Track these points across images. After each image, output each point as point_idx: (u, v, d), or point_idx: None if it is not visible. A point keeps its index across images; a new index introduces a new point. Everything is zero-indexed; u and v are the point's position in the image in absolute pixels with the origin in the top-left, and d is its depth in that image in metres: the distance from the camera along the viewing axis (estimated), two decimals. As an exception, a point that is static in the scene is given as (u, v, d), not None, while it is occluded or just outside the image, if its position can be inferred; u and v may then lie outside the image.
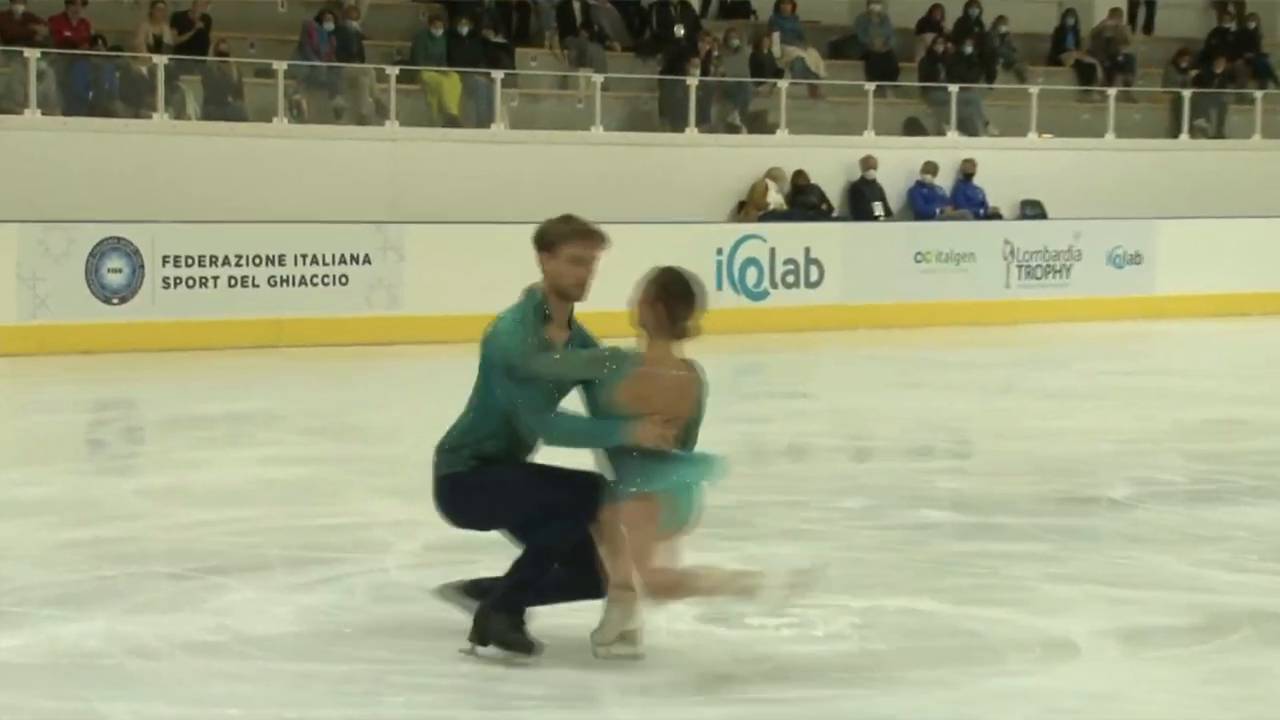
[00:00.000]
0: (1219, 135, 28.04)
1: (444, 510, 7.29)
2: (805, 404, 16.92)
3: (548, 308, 7.13)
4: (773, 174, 23.74)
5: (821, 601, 7.83)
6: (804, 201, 24.01)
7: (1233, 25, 30.41)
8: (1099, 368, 19.18)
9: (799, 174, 24.09)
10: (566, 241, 7.13)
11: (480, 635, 7.12)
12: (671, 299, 7.01)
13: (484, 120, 23.13)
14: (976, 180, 25.11)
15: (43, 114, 20.59)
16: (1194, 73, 28.88)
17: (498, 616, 7.09)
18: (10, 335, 18.34)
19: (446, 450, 7.21)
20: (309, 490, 11.30)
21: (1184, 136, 27.42)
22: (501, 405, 7.04)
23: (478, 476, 7.12)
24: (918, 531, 10.06)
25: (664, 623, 7.57)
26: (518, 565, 7.11)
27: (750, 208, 23.56)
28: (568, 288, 7.12)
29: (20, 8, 21.47)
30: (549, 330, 7.13)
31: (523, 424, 7.04)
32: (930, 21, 27.92)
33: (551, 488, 7.08)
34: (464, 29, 23.89)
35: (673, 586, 6.95)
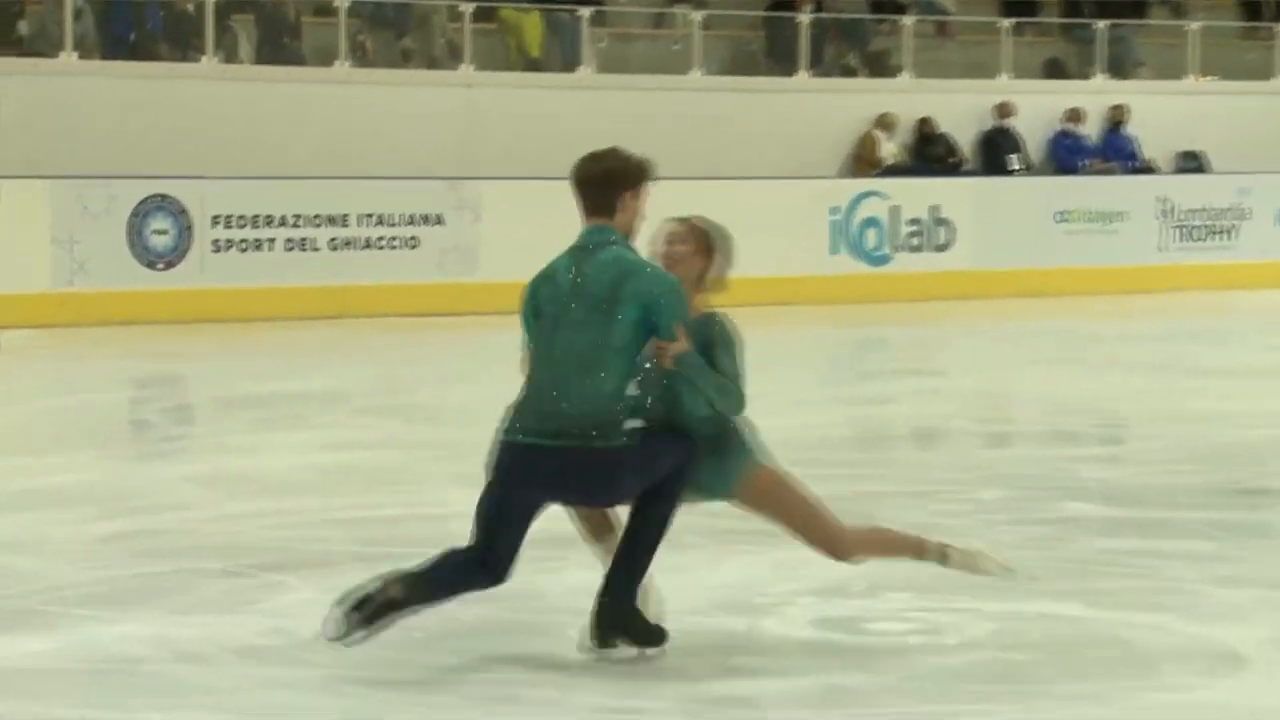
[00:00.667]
0: None
1: (612, 493, 7.25)
2: (934, 383, 16.86)
3: None
4: (883, 122, 23.64)
5: (953, 605, 7.79)
6: (930, 153, 23.92)
7: None
8: (1268, 341, 19.04)
9: (925, 121, 24.00)
10: (648, 178, 7.28)
11: (620, 630, 7.16)
12: (712, 253, 7.33)
13: (569, 63, 23.15)
14: (1127, 129, 24.94)
15: (80, 58, 20.73)
16: (1376, 7, 28.62)
17: (632, 608, 7.14)
18: (45, 304, 18.51)
19: (602, 422, 7.11)
20: (375, 478, 11.33)
21: (1371, 80, 27.16)
22: (636, 354, 7.03)
23: (649, 444, 7.12)
24: (1062, 527, 10.01)
25: (777, 628, 7.56)
26: (645, 546, 7.12)
27: (860, 164, 23.47)
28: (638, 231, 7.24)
29: (55, -61, 21.62)
30: None
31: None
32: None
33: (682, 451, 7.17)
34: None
35: (886, 544, 7.38)
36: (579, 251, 7.18)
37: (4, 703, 6.80)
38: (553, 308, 7.15)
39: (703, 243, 7.28)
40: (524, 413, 7.14)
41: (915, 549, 7.54)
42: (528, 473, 7.07)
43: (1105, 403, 15.15)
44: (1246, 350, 18.45)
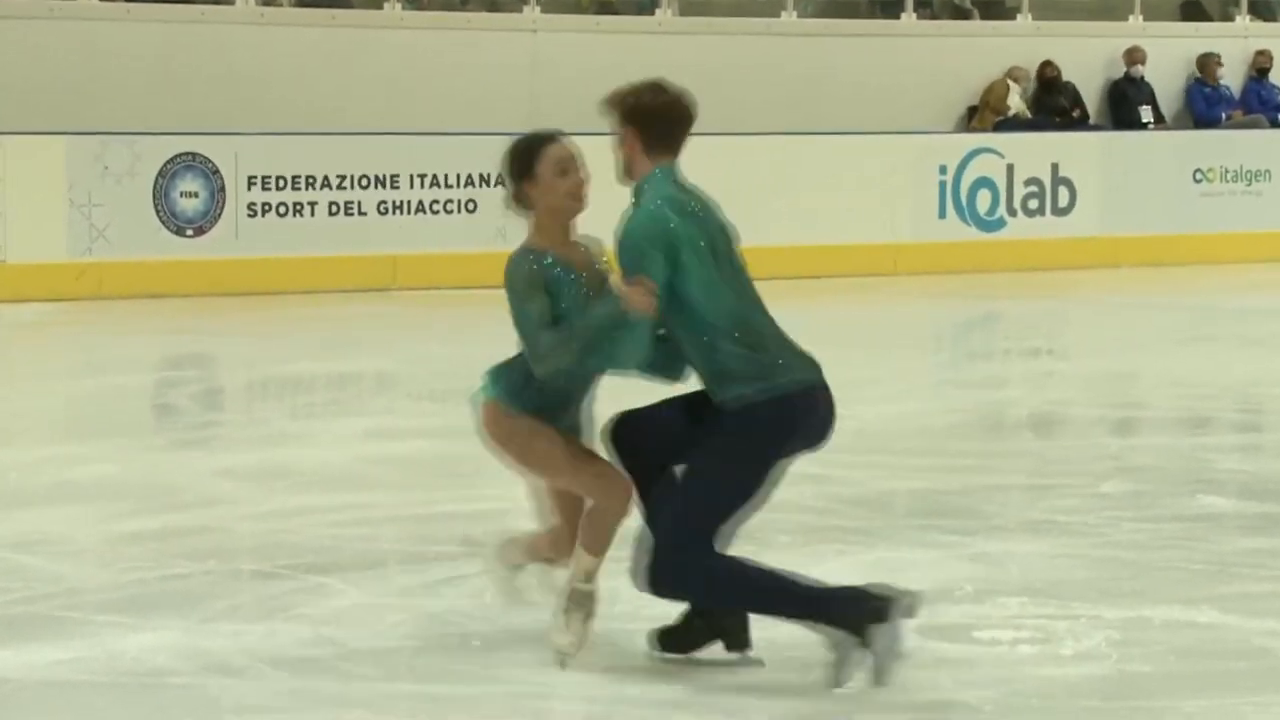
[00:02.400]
0: None
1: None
2: (1054, 364, 16.88)
3: None
4: (1014, 74, 23.62)
5: (1072, 611, 7.83)
6: (1053, 104, 23.85)
7: None
8: None
9: (1047, 66, 23.93)
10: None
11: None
12: None
13: (646, 6, 23.16)
14: (1274, 78, 24.83)
15: None
16: None
17: None
18: (62, 275, 18.61)
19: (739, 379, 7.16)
20: (430, 470, 11.39)
21: None
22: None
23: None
24: (1196, 524, 9.99)
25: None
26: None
27: (987, 113, 23.44)
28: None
29: None
30: None
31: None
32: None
33: None
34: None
35: None
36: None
37: (23, 715, 6.89)
38: (725, 244, 7.22)
39: None
40: (784, 351, 7.19)
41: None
42: (819, 422, 7.29)
43: (1245, 386, 15.11)
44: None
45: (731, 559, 7.10)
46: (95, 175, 18.90)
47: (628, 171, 7.30)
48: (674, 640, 7.37)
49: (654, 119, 7.28)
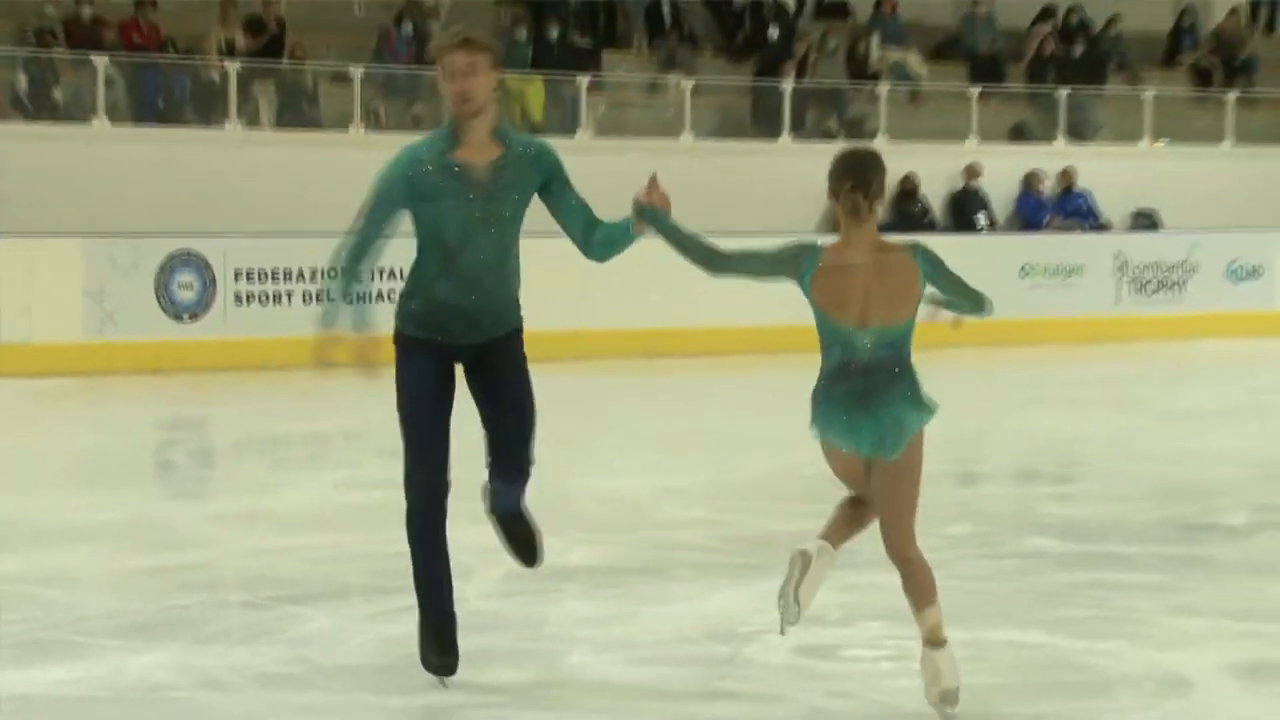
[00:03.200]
0: (1346, 141, 27.84)
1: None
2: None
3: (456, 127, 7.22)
4: (854, 182, 23.65)
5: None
6: (908, 211, 23.95)
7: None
8: (1218, 387, 19.05)
9: (906, 178, 24.02)
10: (439, 54, 7.16)
11: None
12: (830, 175, 6.90)
13: (569, 127, 23.19)
14: (1088, 189, 24.98)
15: (111, 123, 20.78)
16: (1319, 75, 28.72)
17: None
18: (77, 353, 18.52)
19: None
20: (390, 514, 11.25)
21: (1308, 142, 27.24)
22: None
23: None
24: (1027, 560, 10.03)
25: (759, 654, 7.58)
26: None
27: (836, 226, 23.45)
28: (451, 103, 7.20)
29: (88, 11, 21.66)
30: (460, 153, 7.19)
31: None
32: (1038, 21, 27.84)
33: None
34: (551, 33, 23.94)
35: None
36: None
37: (40, 726, 6.83)
38: None
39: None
40: None
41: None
42: None
43: (1067, 443, 15.17)
44: (1196, 395, 18.47)
45: None
46: (106, 270, 18.83)
47: (485, 103, 7.20)
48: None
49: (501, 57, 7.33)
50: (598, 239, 7.17)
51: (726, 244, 7.11)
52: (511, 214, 7.09)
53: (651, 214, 6.95)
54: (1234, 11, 29.42)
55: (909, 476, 6.85)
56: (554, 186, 7.18)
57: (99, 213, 19.58)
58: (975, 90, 25.59)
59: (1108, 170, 25.39)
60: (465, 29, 7.17)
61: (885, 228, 23.37)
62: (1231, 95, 27.29)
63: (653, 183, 6.97)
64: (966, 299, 7.05)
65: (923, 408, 6.96)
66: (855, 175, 6.77)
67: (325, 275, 19.56)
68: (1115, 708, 7.11)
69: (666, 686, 7.27)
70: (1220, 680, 7.45)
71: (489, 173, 7.09)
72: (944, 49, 27.50)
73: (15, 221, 19.15)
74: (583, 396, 16.37)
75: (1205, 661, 7.66)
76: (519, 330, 7.28)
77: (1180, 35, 29.13)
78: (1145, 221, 25.49)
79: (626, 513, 11.30)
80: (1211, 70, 28.39)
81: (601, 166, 22.00)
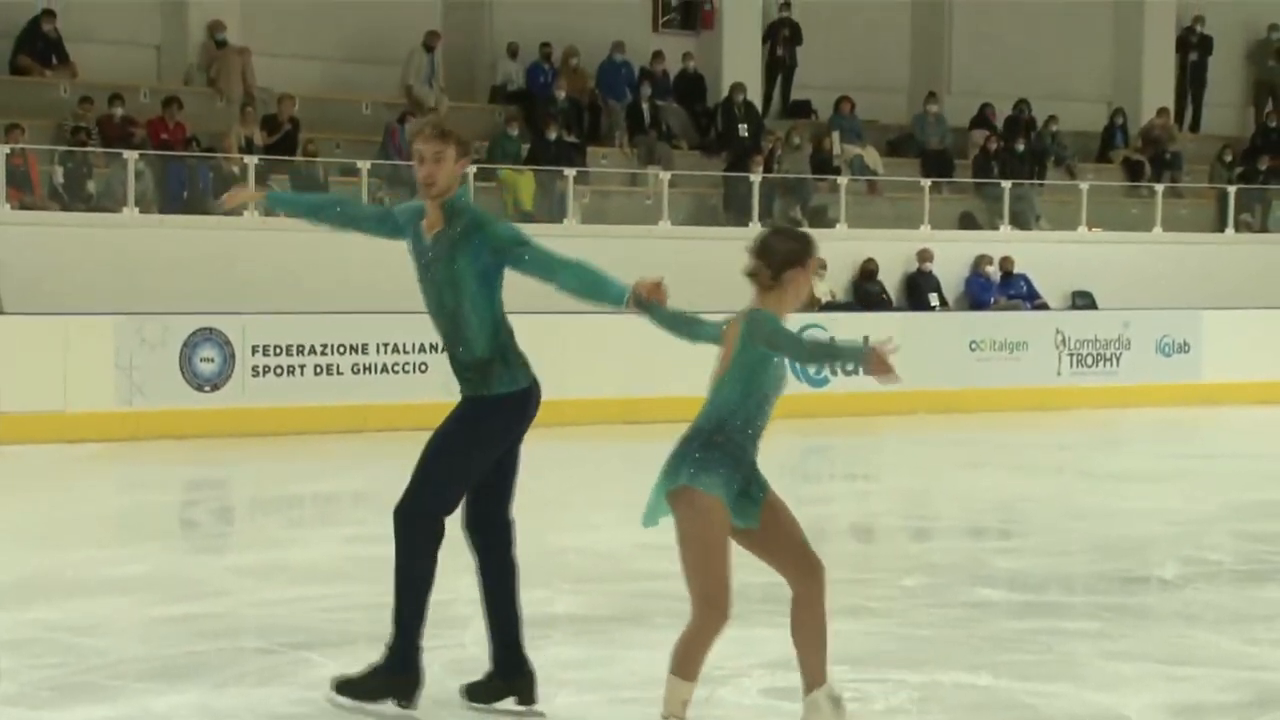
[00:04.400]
0: (1263, 229, 27.95)
1: None
2: (868, 485, 16.87)
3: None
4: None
5: (882, 676, 7.79)
6: (868, 290, 24.00)
7: (1276, 122, 30.34)
8: (1149, 451, 19.09)
9: (869, 262, 24.10)
10: (413, 140, 7.42)
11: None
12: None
13: (557, 215, 23.24)
14: (1026, 271, 25.04)
15: (140, 212, 20.78)
16: (1239, 169, 28.85)
17: None
18: (109, 421, 18.50)
19: None
20: (392, 568, 11.27)
21: (1229, 230, 27.34)
22: None
23: None
24: (976, 609, 10.00)
25: (731, 695, 7.56)
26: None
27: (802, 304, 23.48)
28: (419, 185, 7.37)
29: (120, 111, 21.72)
30: (423, 222, 7.40)
31: None
32: (983, 120, 27.99)
33: None
34: (550, 134, 23.99)
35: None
36: None
37: (72, 762, 6.79)
38: None
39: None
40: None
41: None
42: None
43: (1013, 502, 15.16)
44: (1129, 459, 18.50)
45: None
46: (136, 345, 18.80)
47: (448, 187, 7.30)
48: (478, 692, 7.47)
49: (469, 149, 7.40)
50: (576, 284, 7.16)
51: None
52: (449, 280, 7.25)
53: (649, 307, 6.95)
54: (1161, 111, 29.57)
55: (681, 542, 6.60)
56: (509, 256, 7.19)
57: (129, 293, 19.57)
58: (927, 182, 25.68)
59: (1048, 254, 25.47)
60: (438, 119, 7.31)
61: (846, 308, 23.25)
62: (1160, 187, 27.42)
63: (658, 286, 6.97)
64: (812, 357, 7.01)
65: (666, 476, 6.66)
66: (754, 248, 6.89)
67: (337, 350, 19.61)
68: (1057, 744, 7.10)
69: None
70: (1155, 719, 7.44)
71: (433, 241, 7.34)
72: (898, 145, 27.62)
73: (53, 302, 19.15)
74: (565, 461, 16.38)
75: (1139, 701, 7.66)
76: (492, 396, 7.21)
77: (1113, 133, 29.28)
78: (1083, 301, 25.55)
79: (606, 565, 11.29)
80: (1141, 164, 28.53)
81: (587, 251, 21.94)
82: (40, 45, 22.83)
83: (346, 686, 7.36)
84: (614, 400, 19.77)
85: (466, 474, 7.15)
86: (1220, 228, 27.40)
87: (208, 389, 19.15)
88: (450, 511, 7.24)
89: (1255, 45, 31.89)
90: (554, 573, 10.71)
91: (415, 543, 7.17)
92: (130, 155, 20.95)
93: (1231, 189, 27.68)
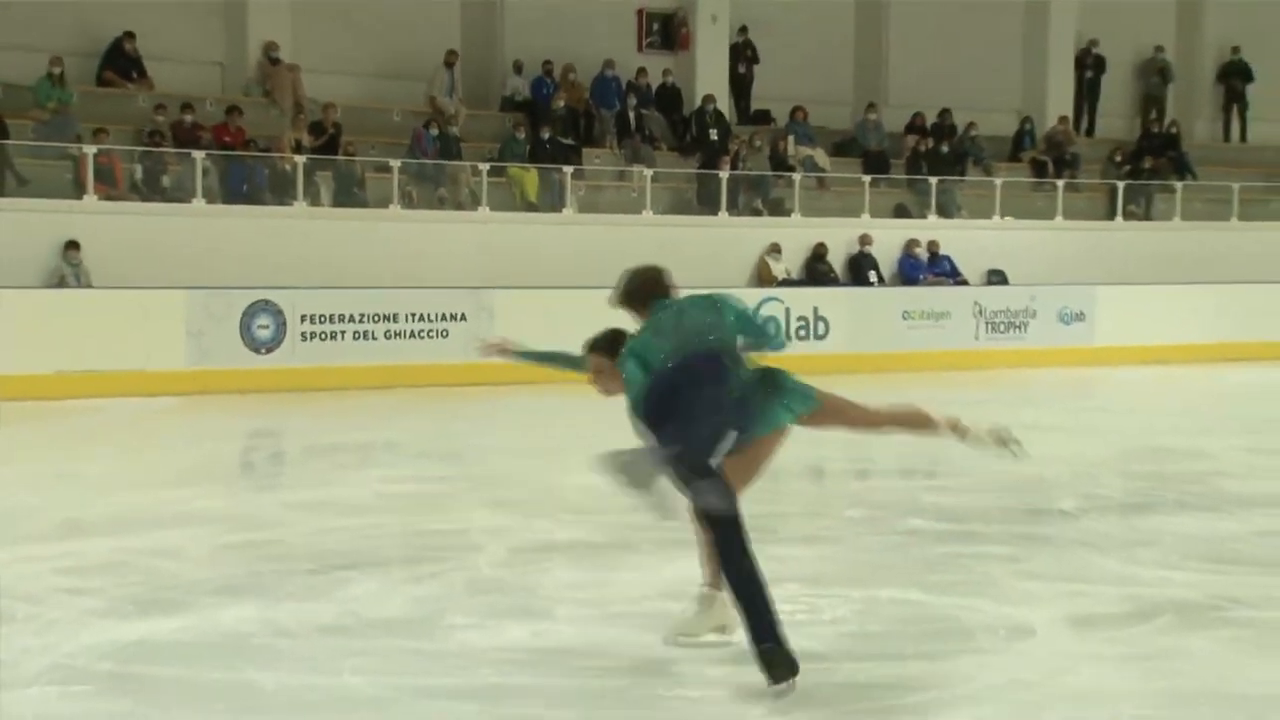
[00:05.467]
0: (1147, 218, 27.94)
1: None
2: (818, 435, 16.85)
3: None
4: (771, 249, 23.74)
5: (830, 593, 7.82)
6: (819, 270, 24.00)
7: (1158, 129, 30.39)
8: (1053, 405, 19.11)
9: (819, 245, 24.12)
10: None
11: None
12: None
13: (557, 206, 23.20)
14: (952, 254, 25.03)
15: (206, 203, 20.72)
16: (1126, 168, 28.85)
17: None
18: (180, 379, 18.50)
19: None
20: (420, 503, 11.32)
21: (1118, 219, 27.34)
22: None
23: None
24: (908, 537, 10.03)
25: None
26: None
27: (761, 279, 23.51)
28: None
29: (189, 118, 21.64)
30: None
31: None
32: (914, 126, 27.96)
33: None
34: (544, 134, 24.01)
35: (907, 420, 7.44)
36: None
37: (155, 666, 6.80)
38: None
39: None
40: None
41: (930, 426, 7.54)
42: None
43: (938, 448, 15.09)
44: (1037, 411, 18.50)
45: None
46: (203, 315, 18.78)
47: (613, 389, 7.02)
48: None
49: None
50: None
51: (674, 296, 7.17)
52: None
53: (510, 354, 7.33)
54: (1062, 119, 29.53)
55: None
56: None
57: (197, 271, 19.55)
58: (867, 179, 25.65)
59: (968, 239, 25.47)
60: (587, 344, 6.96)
61: (799, 284, 23.13)
62: (1060, 183, 27.38)
63: (491, 346, 6.98)
64: None
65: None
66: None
67: (372, 319, 19.58)
68: (976, 648, 7.13)
69: (632, 635, 7.27)
70: (1057, 628, 7.48)
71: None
72: (843, 147, 27.55)
73: (133, 279, 19.13)
74: (566, 413, 16.39)
75: (1044, 614, 7.69)
76: None
77: (1022, 137, 29.23)
78: (997, 278, 25.55)
79: (602, 500, 11.25)
80: (1045, 164, 28.49)
81: (582, 235, 22.23)
82: (122, 62, 22.72)
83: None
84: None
85: None
86: (1111, 217, 27.39)
87: (263, 352, 19.14)
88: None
89: (1142, 64, 31.85)
90: (557, 507, 10.73)
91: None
92: (198, 155, 20.88)
93: (1121, 184, 27.66)
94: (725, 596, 6.72)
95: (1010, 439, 7.16)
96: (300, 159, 21.50)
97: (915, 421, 7.23)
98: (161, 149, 21.09)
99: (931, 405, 7.41)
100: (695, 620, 7.02)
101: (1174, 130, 30.38)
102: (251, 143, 21.96)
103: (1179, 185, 28.27)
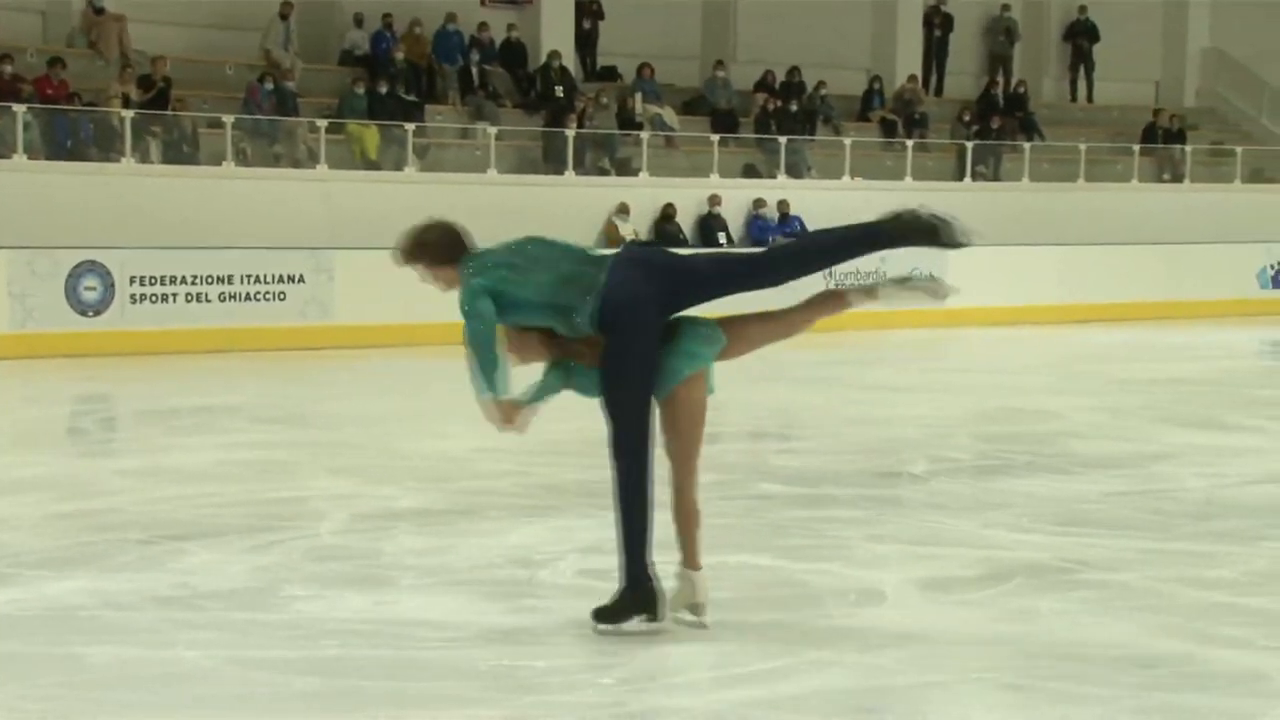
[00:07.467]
0: (995, 179, 28.37)
1: None
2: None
3: None
4: (619, 209, 23.76)
5: (677, 558, 7.86)
6: (668, 231, 24.06)
7: (1005, 88, 30.84)
8: (905, 366, 19.36)
9: (668, 206, 24.17)
10: None
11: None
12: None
13: (399, 164, 23.03)
14: (802, 214, 25.22)
15: (29, 158, 20.30)
16: (975, 128, 29.24)
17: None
18: (3, 342, 18.16)
19: None
20: (261, 470, 11.19)
21: (968, 179, 27.73)
22: None
23: None
24: (759, 501, 10.10)
25: (550, 577, 7.59)
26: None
27: (609, 240, 23.52)
28: None
29: (9, 69, 21.15)
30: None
31: None
32: (763, 84, 28.10)
33: None
34: (382, 89, 23.80)
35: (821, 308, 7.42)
36: None
37: (-23, 641, 6.67)
38: None
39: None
40: None
41: (841, 302, 7.58)
42: None
43: (791, 410, 15.34)
44: (888, 373, 18.75)
45: None
46: (27, 275, 18.47)
47: (451, 284, 6.87)
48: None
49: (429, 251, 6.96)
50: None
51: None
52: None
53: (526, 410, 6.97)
54: (911, 78, 29.86)
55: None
56: None
57: (21, 230, 19.15)
58: (716, 138, 25.78)
59: (818, 199, 25.61)
60: (395, 246, 6.82)
61: (647, 244, 23.28)
62: (910, 143, 27.71)
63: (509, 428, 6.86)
64: None
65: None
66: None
67: (205, 280, 19.32)
68: (826, 613, 7.19)
69: (478, 603, 7.25)
70: (907, 591, 7.57)
71: None
72: (692, 105, 27.63)
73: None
74: (411, 377, 16.30)
75: (895, 577, 7.79)
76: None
77: (871, 96, 29.52)
78: (846, 239, 25.75)
79: (449, 467, 11.25)
80: (895, 123, 28.81)
81: (424, 196, 22.04)
82: (-64, 10, 22.17)
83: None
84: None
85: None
86: (960, 177, 27.77)
87: (91, 314, 18.83)
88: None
89: (989, 22, 32.30)
90: (403, 473, 10.67)
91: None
92: (19, 109, 20.42)
93: (969, 145, 28.05)
94: (698, 576, 6.80)
95: (921, 279, 7.20)
96: (128, 114, 21.10)
97: (827, 306, 7.18)
98: (-21, 102, 20.61)
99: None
100: (672, 599, 6.90)
101: (1021, 90, 30.87)
102: (75, 96, 21.52)
103: (1027, 146, 28.73)
